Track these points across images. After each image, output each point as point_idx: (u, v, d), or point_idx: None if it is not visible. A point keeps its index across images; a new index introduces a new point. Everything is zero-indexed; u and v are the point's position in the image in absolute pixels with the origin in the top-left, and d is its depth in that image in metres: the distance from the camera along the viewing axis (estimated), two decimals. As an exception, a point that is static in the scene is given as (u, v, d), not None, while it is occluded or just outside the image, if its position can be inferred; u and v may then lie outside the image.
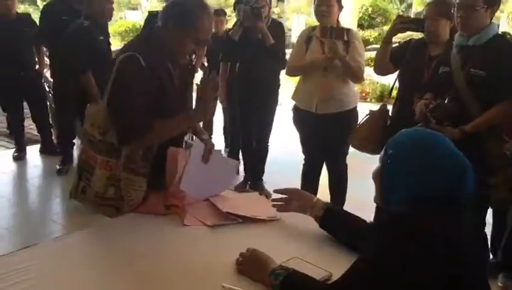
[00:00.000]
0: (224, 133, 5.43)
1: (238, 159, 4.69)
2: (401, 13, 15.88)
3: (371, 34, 14.14)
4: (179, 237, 1.64)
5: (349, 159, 3.57)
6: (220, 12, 5.56)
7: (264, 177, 4.37)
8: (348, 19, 10.88)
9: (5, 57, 4.78)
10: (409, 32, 3.01)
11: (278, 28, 4.07)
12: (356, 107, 3.48)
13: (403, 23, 2.86)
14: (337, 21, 3.41)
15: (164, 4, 2.32)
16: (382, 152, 1.31)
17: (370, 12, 13.94)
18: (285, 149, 5.00)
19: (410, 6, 18.73)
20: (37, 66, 5.00)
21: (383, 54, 2.97)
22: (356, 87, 10.02)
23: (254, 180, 4.30)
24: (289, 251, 1.51)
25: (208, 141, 1.99)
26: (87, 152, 1.85)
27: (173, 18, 1.81)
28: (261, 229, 1.74)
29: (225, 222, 1.74)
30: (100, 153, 1.80)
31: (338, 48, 3.20)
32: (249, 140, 4.29)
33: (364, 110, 3.28)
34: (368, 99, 8.80)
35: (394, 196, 1.25)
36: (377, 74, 3.13)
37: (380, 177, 1.30)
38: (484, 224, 2.73)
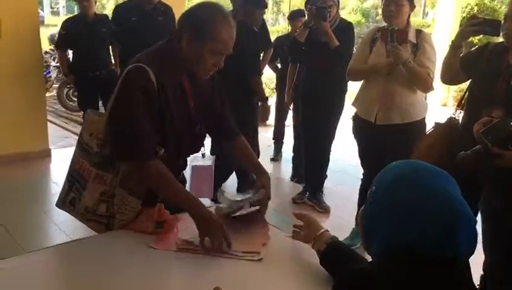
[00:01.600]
0: None
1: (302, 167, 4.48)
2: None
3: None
4: (155, 259, 1.49)
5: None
6: (299, 14, 5.35)
7: (325, 189, 4.10)
8: (449, 19, 10.11)
9: (83, 57, 4.99)
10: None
11: (346, 30, 3.78)
12: (424, 118, 3.09)
13: (476, 25, 2.46)
14: (408, 22, 3.06)
15: None
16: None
17: (475, 11, 12.84)
18: (353, 159, 4.68)
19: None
20: (113, 66, 5.16)
21: (451, 60, 2.57)
22: (449, 95, 9.22)
23: (312, 191, 4.04)
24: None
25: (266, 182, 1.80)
26: (80, 162, 1.74)
27: (187, 29, 1.64)
28: (247, 262, 1.52)
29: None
30: (95, 165, 1.70)
31: (401, 52, 2.86)
32: (311, 148, 4.03)
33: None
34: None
35: (373, 244, 0.98)
36: (444, 83, 2.73)
37: (361, 219, 1.04)
38: None
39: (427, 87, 3.00)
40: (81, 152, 1.74)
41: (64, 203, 1.78)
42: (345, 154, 4.64)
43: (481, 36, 3.00)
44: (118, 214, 1.68)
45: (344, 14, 20.83)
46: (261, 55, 4.81)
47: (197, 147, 1.88)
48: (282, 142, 5.58)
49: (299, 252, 1.55)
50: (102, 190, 1.69)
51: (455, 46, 2.55)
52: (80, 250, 1.57)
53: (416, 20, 17.73)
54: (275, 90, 6.36)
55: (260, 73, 4.04)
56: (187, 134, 1.75)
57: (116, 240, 1.61)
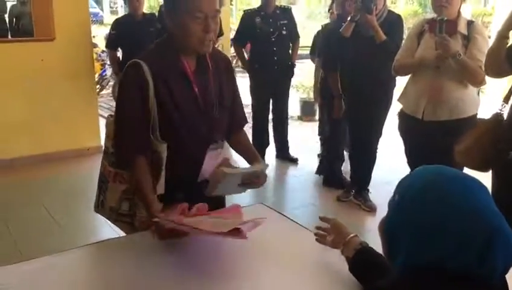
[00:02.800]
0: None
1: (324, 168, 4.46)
2: None
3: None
4: (177, 262, 1.48)
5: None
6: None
7: (372, 187, 3.97)
8: (510, 7, 9.54)
9: (131, 56, 4.85)
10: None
11: (394, 23, 3.63)
12: (475, 115, 2.92)
13: None
14: (459, 13, 2.90)
15: None
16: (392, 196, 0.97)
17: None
18: (404, 156, 4.53)
19: None
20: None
21: (496, 51, 2.39)
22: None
23: (358, 189, 3.92)
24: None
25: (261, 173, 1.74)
26: (104, 164, 1.78)
27: (164, 3, 1.69)
28: (272, 267, 1.48)
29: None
30: (113, 165, 1.73)
31: (450, 43, 2.71)
32: (357, 145, 3.92)
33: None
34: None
35: (397, 258, 0.91)
36: (488, 76, 2.55)
37: (382, 229, 0.96)
38: None
39: (479, 81, 2.83)
40: (103, 154, 1.79)
41: (97, 206, 1.82)
42: (395, 150, 4.48)
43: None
44: (138, 211, 1.69)
45: (401, 4, 20.18)
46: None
47: (215, 133, 1.75)
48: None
49: (328, 256, 1.49)
50: (123, 188, 1.72)
51: (501, 35, 2.38)
52: (109, 250, 1.60)
53: (476, 8, 16.91)
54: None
55: (336, 69, 3.97)
56: (197, 121, 1.68)
57: (143, 241, 1.61)
